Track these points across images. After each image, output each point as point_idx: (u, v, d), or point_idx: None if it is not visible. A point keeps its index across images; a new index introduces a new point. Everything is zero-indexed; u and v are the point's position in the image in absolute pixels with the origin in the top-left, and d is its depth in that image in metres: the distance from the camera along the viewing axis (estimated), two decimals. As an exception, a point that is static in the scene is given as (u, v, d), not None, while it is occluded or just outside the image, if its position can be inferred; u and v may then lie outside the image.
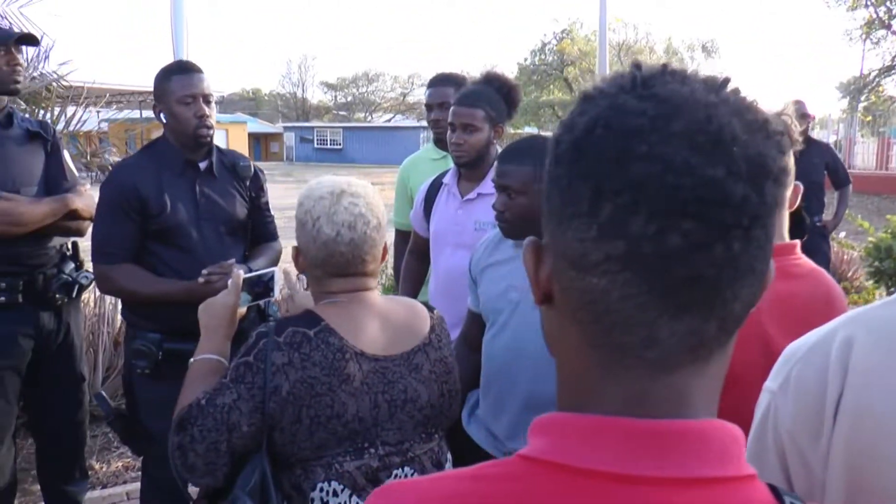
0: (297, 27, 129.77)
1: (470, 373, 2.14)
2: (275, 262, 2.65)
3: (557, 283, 0.60)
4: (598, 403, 0.58)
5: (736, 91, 0.56)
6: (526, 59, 36.31)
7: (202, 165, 2.54)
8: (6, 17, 3.01)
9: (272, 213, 2.82)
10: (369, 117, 65.98)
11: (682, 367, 0.56)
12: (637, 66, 0.57)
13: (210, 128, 2.49)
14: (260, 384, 1.44)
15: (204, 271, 2.33)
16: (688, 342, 0.55)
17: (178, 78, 2.47)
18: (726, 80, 0.57)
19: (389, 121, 60.34)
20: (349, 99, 69.94)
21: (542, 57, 34.91)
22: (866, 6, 22.96)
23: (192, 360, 1.69)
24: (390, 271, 5.45)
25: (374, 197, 1.62)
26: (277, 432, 1.45)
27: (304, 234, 1.59)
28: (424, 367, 1.60)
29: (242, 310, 1.84)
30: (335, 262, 1.56)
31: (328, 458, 1.47)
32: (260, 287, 1.93)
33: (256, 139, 51.73)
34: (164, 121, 2.48)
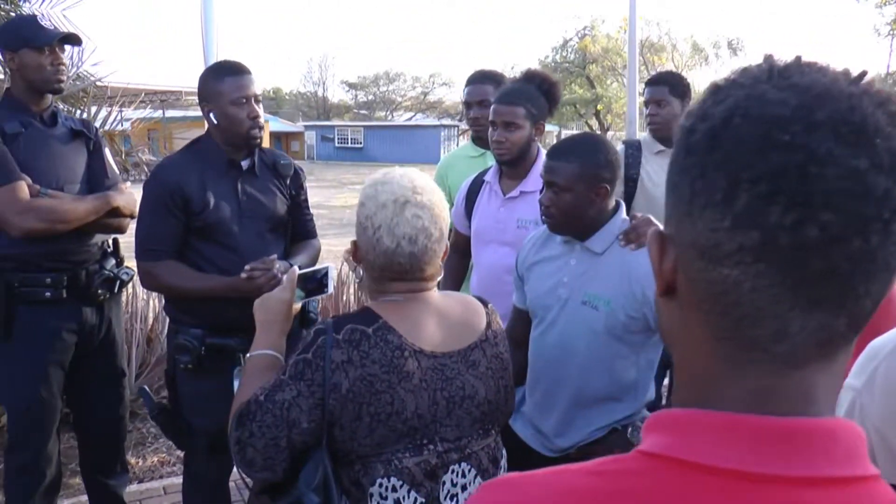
0: (318, 26, 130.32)
1: (515, 370, 2.15)
2: (315, 259, 2.67)
3: (683, 275, 0.59)
4: (721, 399, 0.57)
5: (873, 82, 0.55)
6: (547, 57, 36.21)
7: (244, 164, 2.55)
8: (50, 19, 3.05)
9: (310, 210, 2.83)
10: (390, 116, 66.09)
11: (809, 364, 0.55)
12: (770, 56, 0.57)
13: (261, 128, 2.50)
14: (319, 381, 1.44)
15: (247, 267, 2.34)
16: (817, 337, 0.54)
17: (230, 79, 2.46)
18: (864, 73, 0.56)
19: (410, 119, 60.40)
20: (370, 98, 70.09)
21: (564, 54, 34.78)
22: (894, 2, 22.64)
23: (248, 355, 1.70)
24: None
25: (440, 205, 1.58)
26: (337, 429, 1.46)
27: (363, 237, 1.57)
28: (481, 364, 1.59)
29: (297, 306, 1.84)
30: (394, 270, 1.55)
31: (388, 454, 1.47)
32: (313, 283, 1.93)
33: (278, 138, 51.95)
34: (215, 121, 2.48)
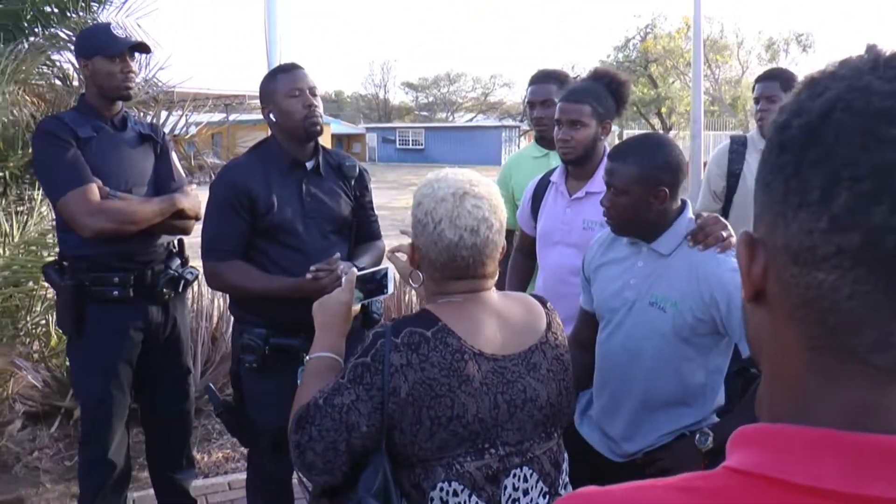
0: (380, 29, 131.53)
1: (581, 373, 2.10)
2: (379, 261, 2.66)
3: (774, 279, 0.55)
4: (815, 414, 0.53)
5: None
6: (609, 56, 35.75)
7: (309, 165, 2.57)
8: (125, 28, 3.15)
9: (375, 212, 2.83)
10: (451, 117, 66.27)
11: None
12: (874, 46, 0.54)
13: (319, 118, 2.51)
14: (379, 385, 1.43)
15: (312, 268, 2.35)
16: None
17: (282, 76, 2.52)
18: None
19: (471, 120, 60.44)
20: (430, 99, 70.42)
21: (626, 54, 34.28)
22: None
23: (307, 357, 1.70)
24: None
25: (497, 197, 1.58)
26: (398, 433, 1.44)
27: (423, 236, 1.55)
28: (542, 366, 1.57)
29: (357, 307, 1.84)
30: (456, 265, 1.53)
31: (449, 458, 1.46)
32: (373, 284, 1.92)
33: (339, 140, 52.65)
34: (274, 119, 2.52)
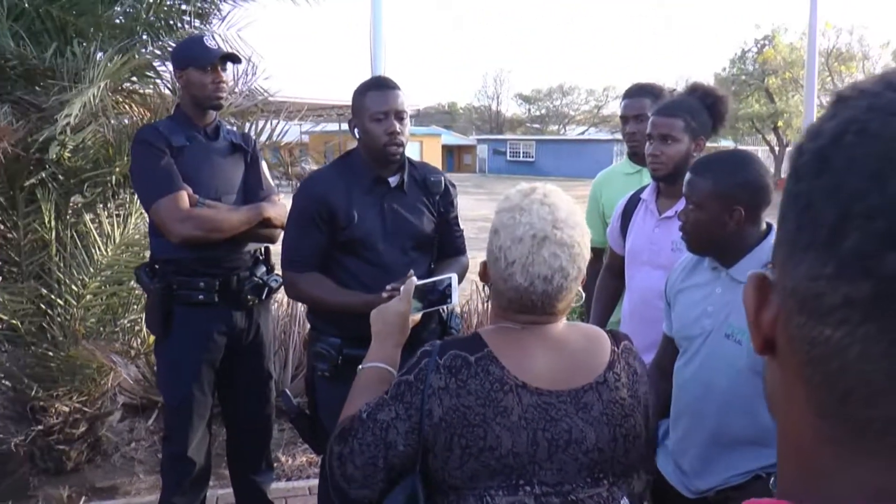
0: (494, 41, 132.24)
1: (663, 401, 2.02)
2: (461, 277, 2.59)
3: (782, 329, 0.47)
4: (830, 494, 0.45)
5: None
6: (724, 69, 34.54)
7: (392, 181, 2.55)
8: (224, 39, 3.28)
9: (461, 226, 2.77)
10: (562, 130, 65.81)
11: None
12: None
13: (400, 145, 2.47)
14: (417, 405, 1.40)
15: (388, 287, 2.32)
16: None
17: (372, 94, 2.47)
18: None
19: (582, 133, 59.86)
20: (543, 111, 70.18)
21: (742, 66, 33.04)
22: None
23: (360, 367, 1.69)
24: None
25: (581, 241, 1.46)
26: (431, 456, 1.41)
27: (494, 267, 1.48)
28: (594, 407, 1.45)
29: (416, 317, 1.80)
30: (522, 304, 1.47)
31: (481, 489, 1.40)
32: (435, 295, 1.86)
33: (450, 151, 53.22)
34: (358, 136, 2.51)
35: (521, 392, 1.41)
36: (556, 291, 1.44)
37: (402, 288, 1.80)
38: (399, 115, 2.47)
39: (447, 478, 1.41)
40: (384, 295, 2.32)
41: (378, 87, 2.50)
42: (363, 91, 2.51)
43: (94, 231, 3.57)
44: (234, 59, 2.91)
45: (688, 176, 1.97)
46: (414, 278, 1.84)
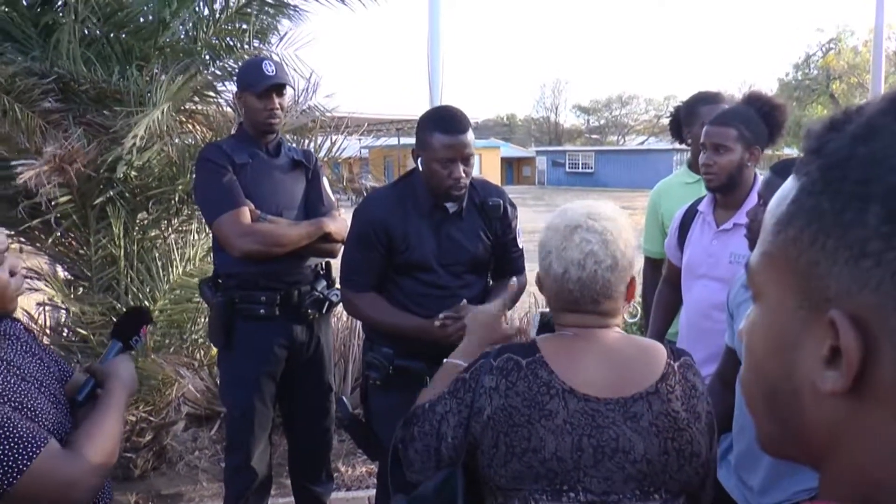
0: (552, 52, 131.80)
1: (723, 413, 1.97)
2: (515, 298, 2.50)
3: (889, 365, 0.46)
4: None
5: None
6: (787, 74, 33.64)
7: (450, 207, 2.54)
8: (283, 60, 3.36)
9: (520, 244, 2.74)
10: (622, 140, 65.11)
11: None
12: None
13: (463, 188, 2.46)
14: (468, 402, 1.49)
15: (441, 315, 2.36)
16: None
17: (441, 136, 2.42)
18: None
19: (642, 144, 59.07)
20: (602, 122, 69.58)
21: (806, 71, 32.13)
22: None
23: (445, 360, 1.80)
24: (638, 298, 5.30)
25: (617, 232, 1.50)
26: (479, 453, 1.48)
27: (541, 265, 1.58)
28: (644, 418, 1.44)
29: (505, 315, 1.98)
30: (564, 297, 1.52)
31: (525, 492, 1.44)
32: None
33: (509, 163, 53.12)
34: (421, 168, 2.49)
35: (567, 397, 1.44)
36: (591, 279, 1.47)
37: (498, 300, 2.00)
38: (466, 159, 2.45)
39: (493, 476, 1.46)
40: (437, 324, 2.36)
41: (446, 131, 2.42)
42: (431, 128, 2.45)
43: (164, 246, 3.69)
44: (282, 88, 2.91)
45: (767, 175, 1.96)
46: (465, 302, 1.93)
